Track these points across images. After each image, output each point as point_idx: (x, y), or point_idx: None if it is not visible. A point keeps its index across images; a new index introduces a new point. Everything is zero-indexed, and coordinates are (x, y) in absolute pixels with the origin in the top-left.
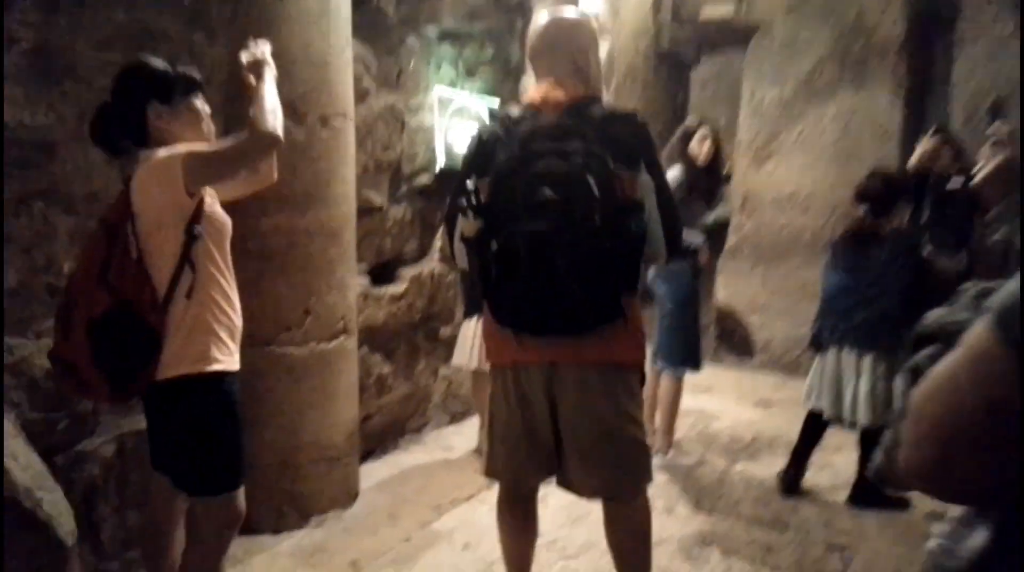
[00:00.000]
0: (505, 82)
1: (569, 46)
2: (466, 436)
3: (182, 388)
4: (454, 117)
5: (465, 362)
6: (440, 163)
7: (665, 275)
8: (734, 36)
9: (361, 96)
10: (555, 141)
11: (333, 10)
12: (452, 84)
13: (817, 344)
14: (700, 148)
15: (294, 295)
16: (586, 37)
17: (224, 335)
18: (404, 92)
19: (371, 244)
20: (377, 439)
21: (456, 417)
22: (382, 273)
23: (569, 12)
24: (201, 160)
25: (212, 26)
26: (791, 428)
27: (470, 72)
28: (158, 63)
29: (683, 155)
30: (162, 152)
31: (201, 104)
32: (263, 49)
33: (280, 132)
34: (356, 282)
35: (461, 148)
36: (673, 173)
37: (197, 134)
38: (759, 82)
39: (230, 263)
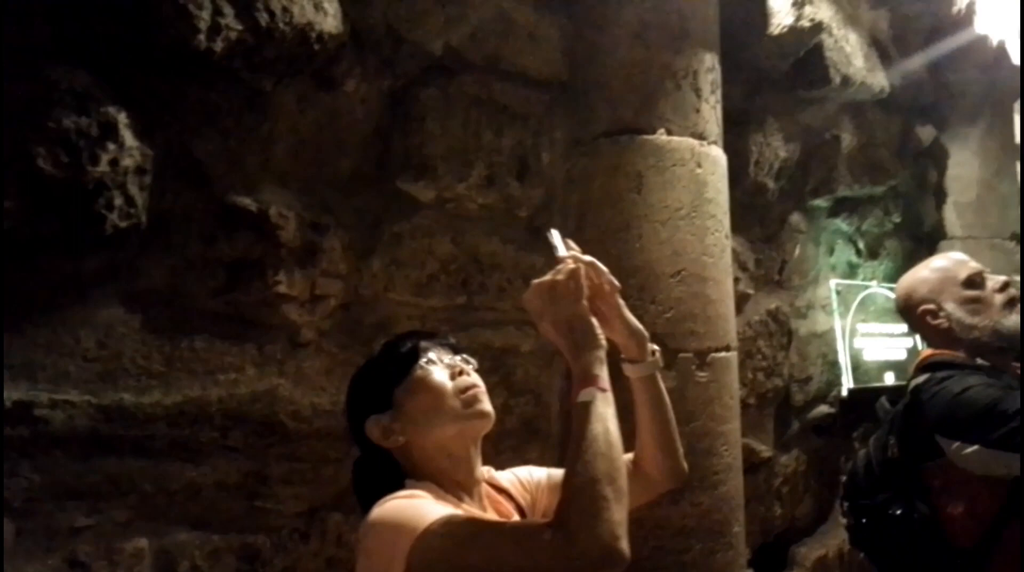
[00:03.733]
0: (917, 255)
1: None
2: None
3: None
4: (859, 316)
5: None
6: (846, 384)
7: None
8: None
9: (738, 305)
10: None
11: (710, 198)
12: (850, 271)
13: None
14: None
15: None
16: None
17: None
18: (789, 290)
19: (754, 515)
20: None
21: None
22: (768, 558)
23: None
24: (441, 555)
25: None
26: None
27: (872, 251)
28: (402, 345)
29: None
30: (387, 508)
31: (439, 372)
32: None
33: (623, 539)
34: None
35: (873, 358)
36: None
37: (443, 418)
38: None
39: None
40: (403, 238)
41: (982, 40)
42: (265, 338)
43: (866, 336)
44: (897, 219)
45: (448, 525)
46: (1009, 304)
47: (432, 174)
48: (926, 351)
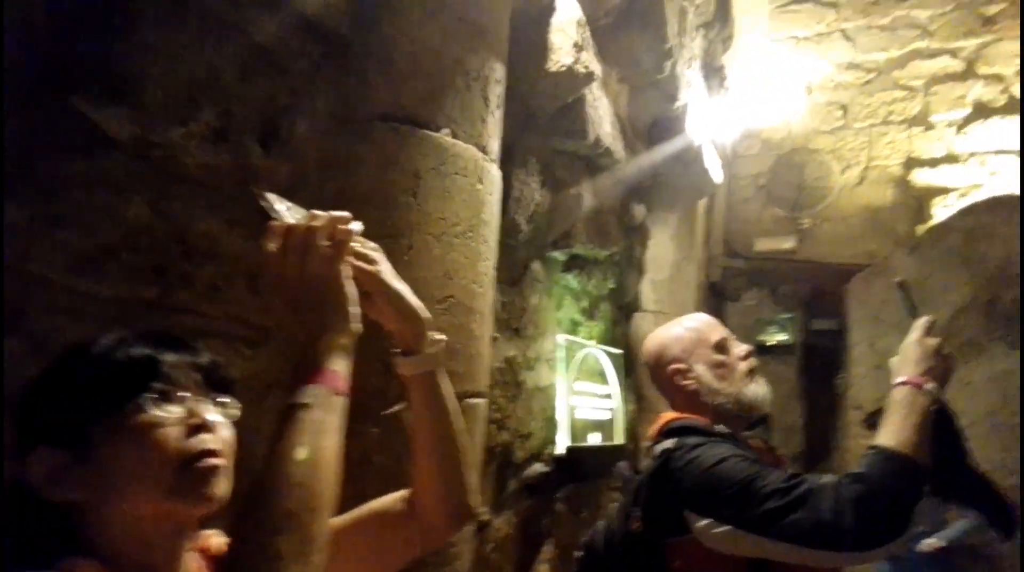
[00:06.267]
0: (619, 322)
1: None
2: None
3: None
4: (575, 373)
5: None
6: (563, 442)
7: None
8: (794, 270)
9: None
10: None
11: (487, 220)
12: (573, 328)
13: None
14: None
15: None
16: None
17: None
18: (524, 339)
19: None
20: None
21: None
22: None
23: None
24: None
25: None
26: None
27: (592, 312)
28: (124, 358)
29: None
30: None
31: (171, 421)
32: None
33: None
34: None
35: (583, 417)
36: None
37: (146, 490)
38: (877, 331)
39: None
40: (69, 185)
41: (689, 140)
42: None
43: (578, 394)
44: (612, 285)
45: None
46: (751, 373)
47: (134, 102)
48: (668, 414)
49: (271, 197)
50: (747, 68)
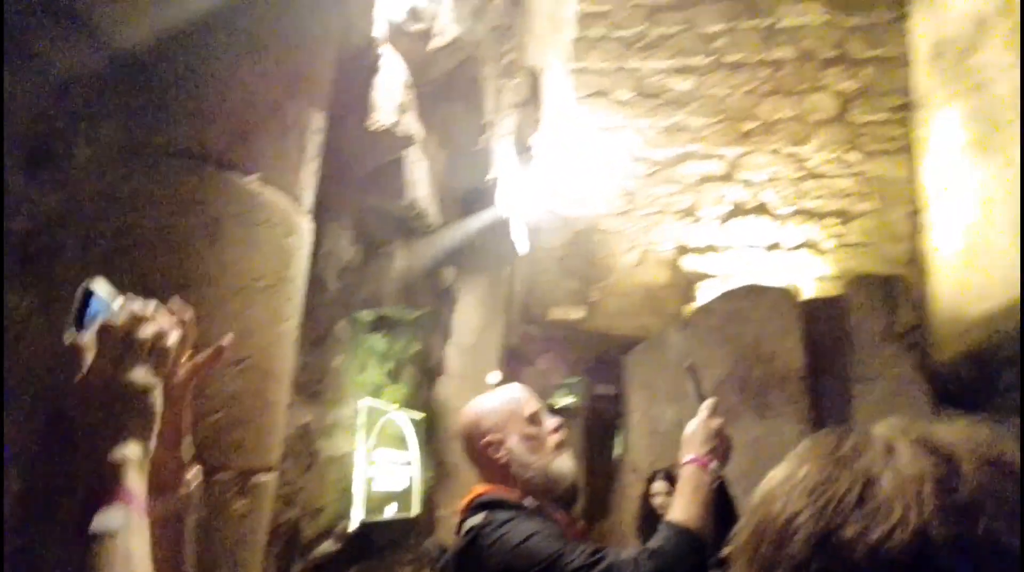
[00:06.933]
0: (422, 386)
1: None
2: None
3: None
4: (375, 441)
5: None
6: (357, 516)
7: None
8: (583, 338)
9: None
10: None
11: (292, 277)
12: (376, 391)
13: None
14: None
15: None
16: None
17: None
18: (323, 404)
19: None
20: None
21: None
22: None
23: None
24: None
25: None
26: None
27: (396, 375)
28: None
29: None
30: None
31: None
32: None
33: None
34: None
35: (380, 488)
36: None
37: None
38: (652, 399)
39: None
40: None
41: (499, 211)
42: None
43: (377, 464)
44: (417, 347)
45: None
46: (559, 447)
47: None
48: (478, 487)
49: (97, 285)
50: (553, 149)
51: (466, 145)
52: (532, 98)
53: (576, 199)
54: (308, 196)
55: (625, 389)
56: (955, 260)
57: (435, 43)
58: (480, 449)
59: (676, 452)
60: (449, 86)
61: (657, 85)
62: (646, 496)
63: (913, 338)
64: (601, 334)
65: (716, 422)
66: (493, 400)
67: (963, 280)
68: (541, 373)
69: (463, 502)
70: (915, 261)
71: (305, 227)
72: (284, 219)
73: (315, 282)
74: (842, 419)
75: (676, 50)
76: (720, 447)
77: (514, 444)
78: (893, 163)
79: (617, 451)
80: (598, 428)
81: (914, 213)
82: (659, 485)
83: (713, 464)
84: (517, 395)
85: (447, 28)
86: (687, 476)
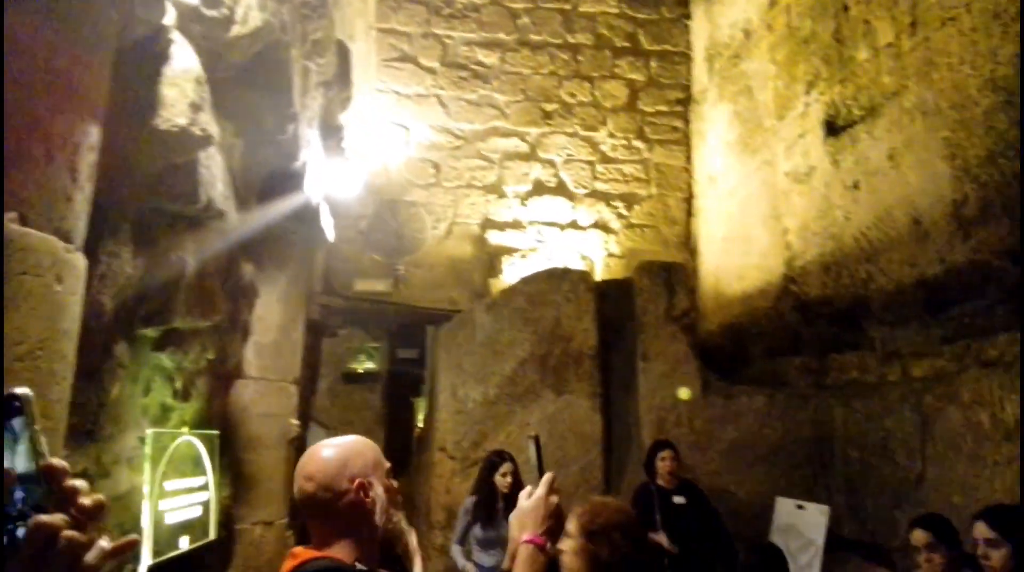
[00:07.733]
0: (217, 394)
1: None
2: None
3: None
4: (168, 469)
5: None
6: (146, 559)
7: None
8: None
9: None
10: None
11: (66, 329)
12: (163, 414)
13: None
14: (504, 481)
15: None
16: None
17: None
18: (99, 441)
19: None
20: None
21: None
22: None
23: None
24: None
25: None
26: None
27: (186, 392)
28: None
29: (489, 484)
30: None
31: None
32: None
33: None
34: None
35: (172, 520)
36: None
37: None
38: (461, 378)
39: None
40: None
41: (307, 198)
42: None
43: (169, 496)
44: (211, 356)
45: None
46: (399, 508)
47: None
48: (303, 551)
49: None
50: (359, 118)
51: (272, 133)
52: (341, 75)
53: (379, 168)
54: (81, 226)
55: (430, 359)
56: (719, 244)
57: (236, 30)
58: (342, 492)
59: (481, 430)
60: (251, 72)
61: (464, 56)
62: (487, 474)
63: (688, 320)
64: (408, 307)
65: (554, 499)
66: (357, 444)
67: (725, 262)
68: (340, 339)
69: (284, 567)
70: (688, 243)
71: (78, 267)
72: (53, 265)
73: (90, 308)
74: (628, 393)
75: (482, 23)
76: (555, 525)
77: (380, 492)
78: (672, 152)
79: (419, 416)
80: (400, 392)
81: (688, 199)
82: (507, 467)
83: (549, 545)
84: (373, 445)
85: (250, 14)
86: (524, 556)
